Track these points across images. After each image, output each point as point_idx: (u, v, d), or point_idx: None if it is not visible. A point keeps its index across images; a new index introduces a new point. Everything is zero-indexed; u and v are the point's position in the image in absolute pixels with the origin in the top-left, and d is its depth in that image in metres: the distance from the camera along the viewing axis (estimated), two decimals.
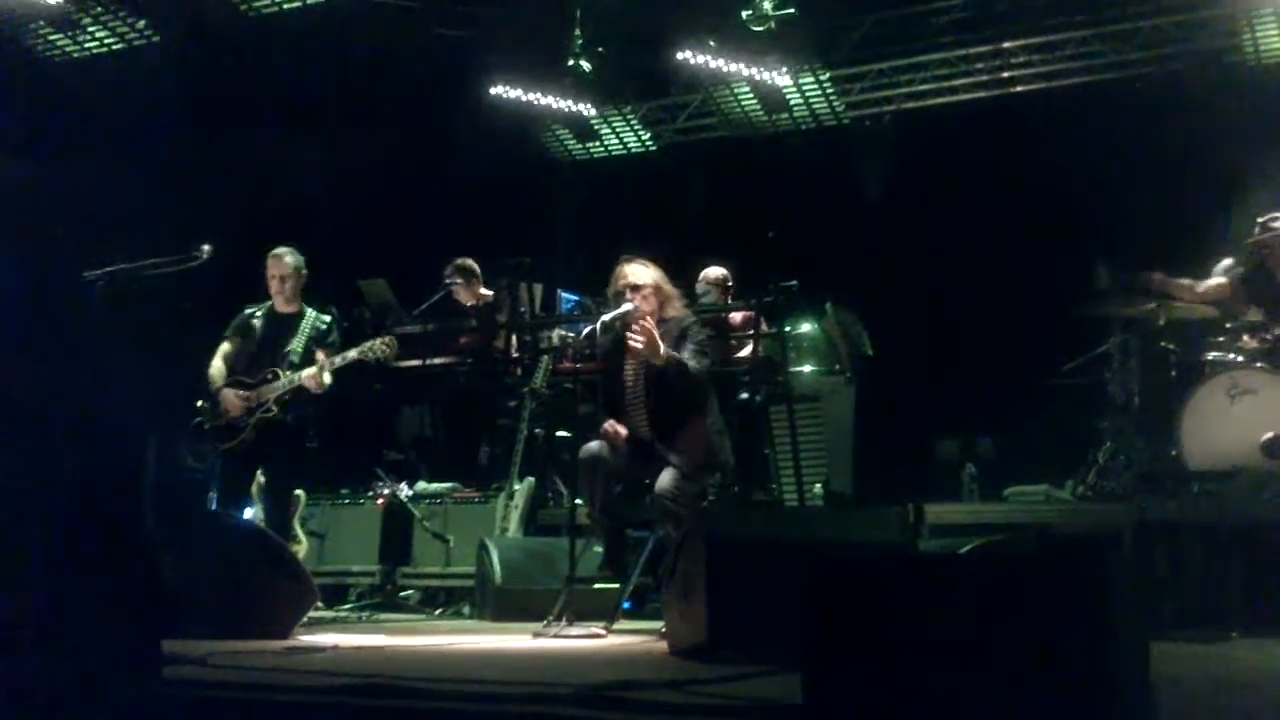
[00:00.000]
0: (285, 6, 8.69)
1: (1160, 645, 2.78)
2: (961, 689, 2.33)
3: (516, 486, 6.57)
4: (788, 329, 7.34)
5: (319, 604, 5.30)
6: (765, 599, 3.33)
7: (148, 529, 4.42)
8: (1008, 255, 8.70)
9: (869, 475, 7.44)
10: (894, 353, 8.08)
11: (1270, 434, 5.53)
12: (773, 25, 8.78)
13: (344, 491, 7.14)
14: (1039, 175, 8.79)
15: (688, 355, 5.07)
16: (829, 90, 10.03)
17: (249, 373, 6.04)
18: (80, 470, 3.50)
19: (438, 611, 6.50)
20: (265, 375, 5.98)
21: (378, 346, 5.99)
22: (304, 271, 6.21)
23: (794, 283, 6.88)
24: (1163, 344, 6.21)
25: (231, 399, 5.96)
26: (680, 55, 9.32)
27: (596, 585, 5.28)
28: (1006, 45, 9.46)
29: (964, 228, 9.01)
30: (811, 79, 9.87)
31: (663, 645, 4.30)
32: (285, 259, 6.17)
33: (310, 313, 6.18)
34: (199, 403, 6.06)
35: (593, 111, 10.43)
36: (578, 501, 5.63)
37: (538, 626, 5.02)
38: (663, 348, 5.01)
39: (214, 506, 6.32)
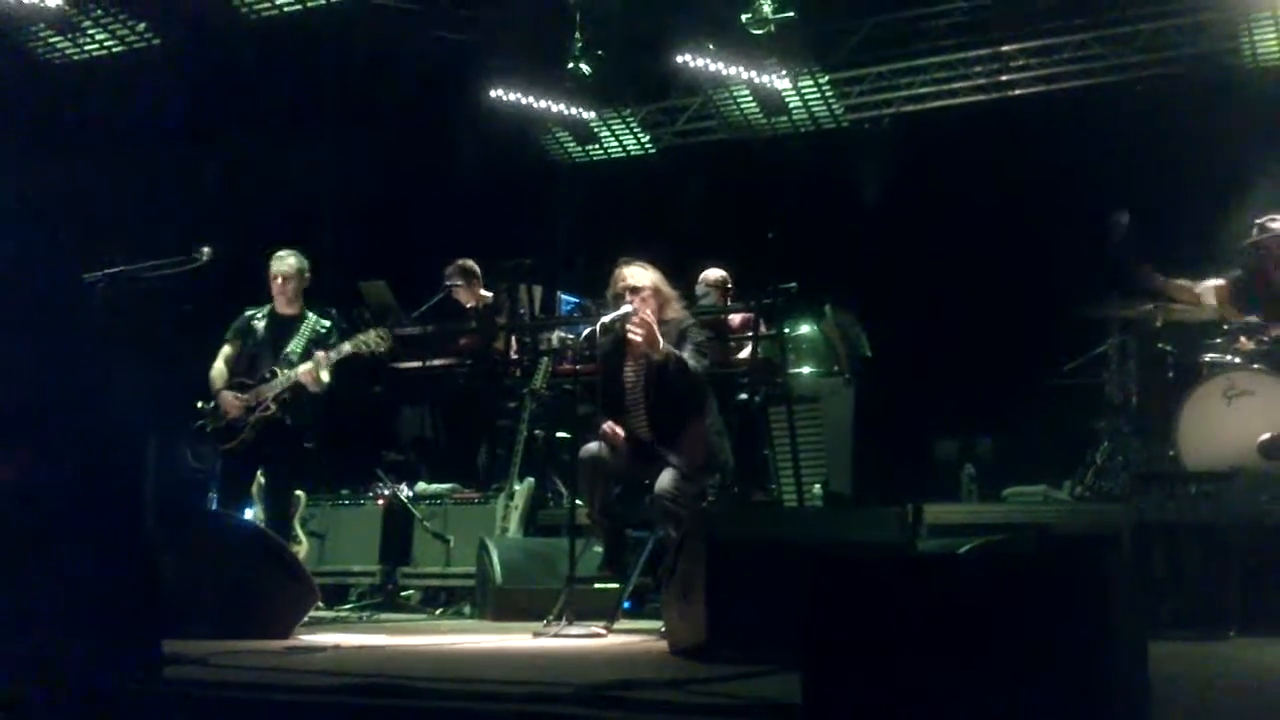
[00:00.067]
0: (285, 9, 8.70)
1: (1158, 645, 2.78)
2: (960, 689, 2.34)
3: (516, 487, 6.58)
4: (787, 330, 7.35)
5: (319, 604, 5.31)
6: (765, 599, 3.34)
7: (148, 529, 4.43)
8: (1006, 257, 8.72)
9: (868, 476, 7.46)
10: (893, 354, 8.10)
11: (1268, 435, 5.54)
12: (772, 28, 8.79)
13: (344, 492, 7.15)
14: (1038, 178, 8.80)
15: (687, 354, 5.09)
16: (828, 93, 10.04)
17: (249, 374, 6.05)
18: (80, 471, 3.51)
19: (438, 611, 6.51)
20: (263, 375, 5.99)
21: (372, 339, 6.00)
22: (307, 274, 6.22)
23: (793, 284, 6.89)
24: (1160, 345, 6.22)
25: (230, 400, 5.97)
26: (680, 58, 9.33)
27: (596, 585, 5.29)
28: (1005, 48, 9.48)
29: (963, 230, 9.03)
30: (810, 82, 9.88)
31: (663, 645, 4.31)
32: (288, 260, 6.18)
33: (311, 316, 6.19)
34: (200, 404, 6.07)
35: (592, 114, 10.45)
36: (577, 502, 5.64)
37: (538, 626, 5.03)
38: (662, 342, 5.03)
39: (214, 507, 6.32)
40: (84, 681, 2.99)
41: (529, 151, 10.81)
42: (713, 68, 9.40)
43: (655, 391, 5.17)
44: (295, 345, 6.04)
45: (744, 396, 6.91)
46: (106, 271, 5.48)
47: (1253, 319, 5.91)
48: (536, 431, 7.03)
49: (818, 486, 7.04)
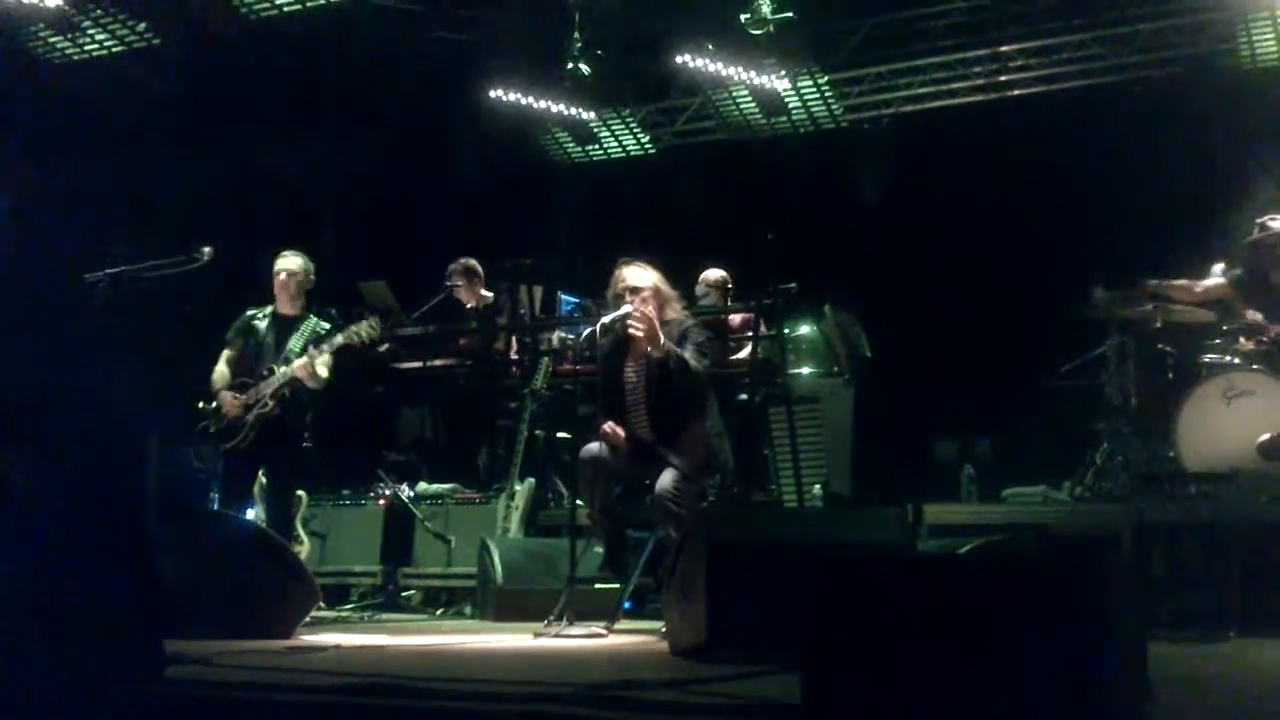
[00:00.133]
0: (285, 9, 8.70)
1: (1158, 645, 2.80)
2: (960, 689, 2.35)
3: (517, 487, 6.59)
4: (786, 331, 7.36)
5: (321, 604, 5.31)
6: (765, 599, 3.35)
7: (149, 529, 4.44)
8: (1005, 257, 8.73)
9: (868, 476, 7.47)
10: (892, 354, 8.11)
11: (1267, 435, 5.55)
12: (771, 29, 8.79)
13: (346, 492, 7.15)
14: (1037, 178, 8.81)
15: (689, 353, 5.10)
16: (827, 93, 10.05)
17: (251, 374, 6.06)
18: (82, 470, 3.52)
19: (439, 611, 6.51)
20: (261, 373, 6.00)
21: (363, 329, 6.00)
22: (311, 276, 6.22)
23: (793, 285, 6.89)
24: (1160, 346, 6.23)
25: (229, 400, 5.98)
26: (679, 59, 9.33)
27: (597, 585, 5.30)
28: (1004, 49, 9.48)
29: (962, 230, 9.04)
30: (810, 82, 9.89)
31: (663, 645, 4.31)
32: (293, 260, 6.19)
33: (312, 317, 6.19)
34: (202, 405, 6.07)
35: (592, 115, 10.45)
36: (578, 502, 5.65)
37: (539, 626, 5.03)
38: (662, 338, 5.04)
39: (216, 507, 6.33)
40: (85, 681, 3.00)
41: (529, 152, 10.81)
42: (712, 68, 9.40)
43: (656, 392, 5.17)
44: (295, 344, 6.05)
45: (744, 397, 6.91)
46: (107, 271, 5.48)
47: (1256, 318, 5.91)
48: (537, 432, 7.04)
49: (818, 487, 7.05)
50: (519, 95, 9.83)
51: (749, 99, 10.10)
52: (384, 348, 7.53)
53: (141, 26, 9.01)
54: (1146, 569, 4.97)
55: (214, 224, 7.31)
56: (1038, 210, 8.74)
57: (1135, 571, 4.72)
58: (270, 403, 5.92)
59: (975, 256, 8.85)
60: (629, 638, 4.82)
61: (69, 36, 9.08)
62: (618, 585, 5.20)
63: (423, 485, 7.02)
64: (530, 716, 2.67)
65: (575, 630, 4.90)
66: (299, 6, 8.67)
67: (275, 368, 5.97)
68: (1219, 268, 6.30)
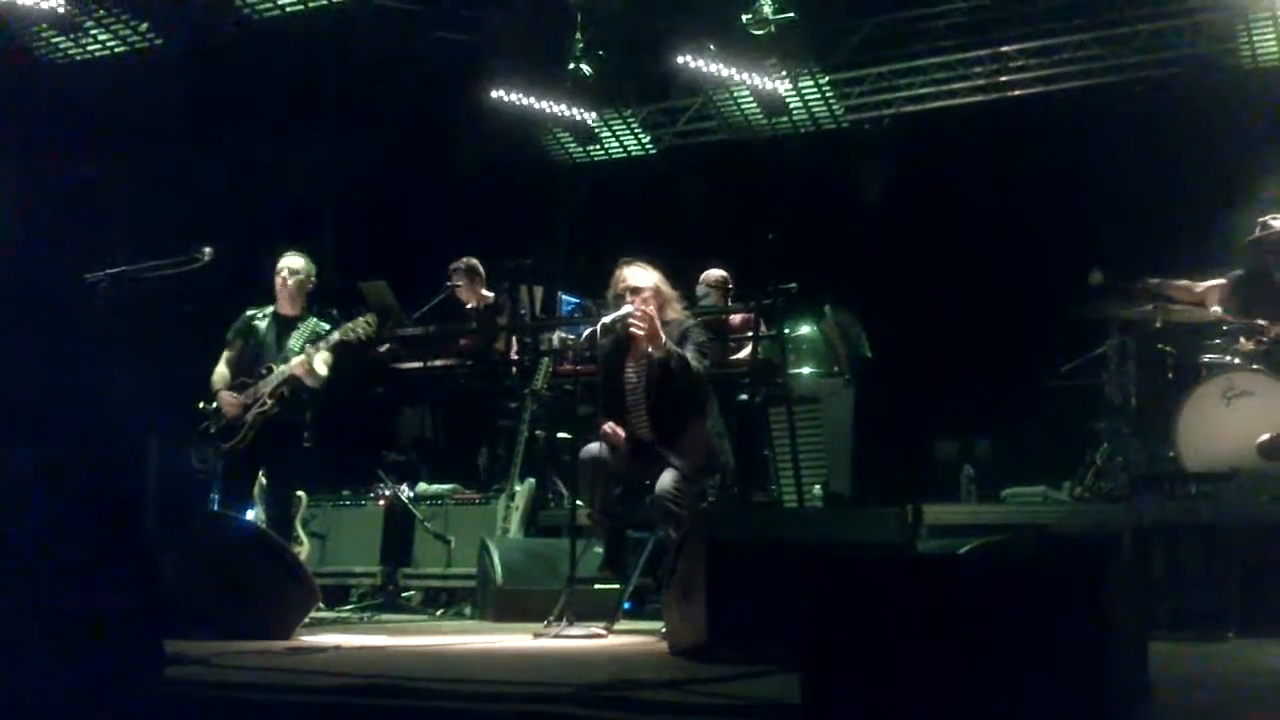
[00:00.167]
0: (287, 9, 8.70)
1: (1158, 645, 2.79)
2: (960, 689, 2.35)
3: (517, 488, 6.59)
4: (787, 331, 7.36)
5: (321, 605, 5.31)
6: (765, 599, 3.35)
7: (149, 530, 4.45)
8: (1006, 258, 8.73)
9: (868, 476, 7.47)
10: (892, 354, 8.11)
11: (1267, 435, 5.55)
12: (772, 29, 8.80)
13: (345, 493, 7.15)
14: (1037, 178, 8.81)
15: (689, 353, 5.10)
16: (828, 94, 10.05)
17: (250, 374, 6.06)
18: (81, 470, 3.52)
19: (439, 612, 6.51)
20: (260, 372, 6.01)
21: (360, 325, 6.01)
22: (313, 278, 6.23)
23: (793, 285, 6.90)
24: (1160, 346, 6.22)
25: (228, 400, 5.98)
26: (680, 59, 9.33)
27: (597, 586, 5.30)
28: (1005, 49, 9.49)
29: (962, 230, 9.04)
30: (811, 82, 9.89)
31: (663, 646, 4.31)
32: (296, 260, 6.20)
33: (312, 317, 6.20)
34: (202, 405, 6.08)
35: (593, 115, 10.45)
36: (578, 502, 5.65)
37: (539, 627, 5.03)
38: (664, 337, 5.05)
39: (216, 507, 6.33)
40: (85, 681, 3.00)
41: (530, 152, 10.81)
42: (713, 68, 9.40)
43: (656, 392, 5.17)
44: (294, 343, 6.05)
45: (744, 397, 6.91)
46: (108, 271, 5.49)
47: (1258, 320, 5.90)
48: (537, 432, 7.04)
49: (818, 487, 7.05)
50: (520, 95, 9.83)
51: (750, 99, 10.10)
52: (384, 348, 7.54)
53: (143, 26, 9.01)
54: (1146, 569, 4.97)
55: (214, 224, 7.31)
56: (1038, 210, 8.74)
57: (1135, 572, 4.71)
58: (269, 401, 5.93)
59: (975, 256, 8.85)
60: (629, 638, 4.82)
61: (71, 36, 9.09)
62: (618, 586, 5.20)
63: (423, 485, 7.02)
64: (530, 716, 2.67)
65: (575, 631, 4.90)
66: (301, 6, 8.68)
67: (274, 367, 5.98)
68: (1217, 281, 6.27)
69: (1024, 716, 2.30)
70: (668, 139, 10.94)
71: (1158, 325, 6.10)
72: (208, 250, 5.68)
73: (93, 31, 9.04)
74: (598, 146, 10.98)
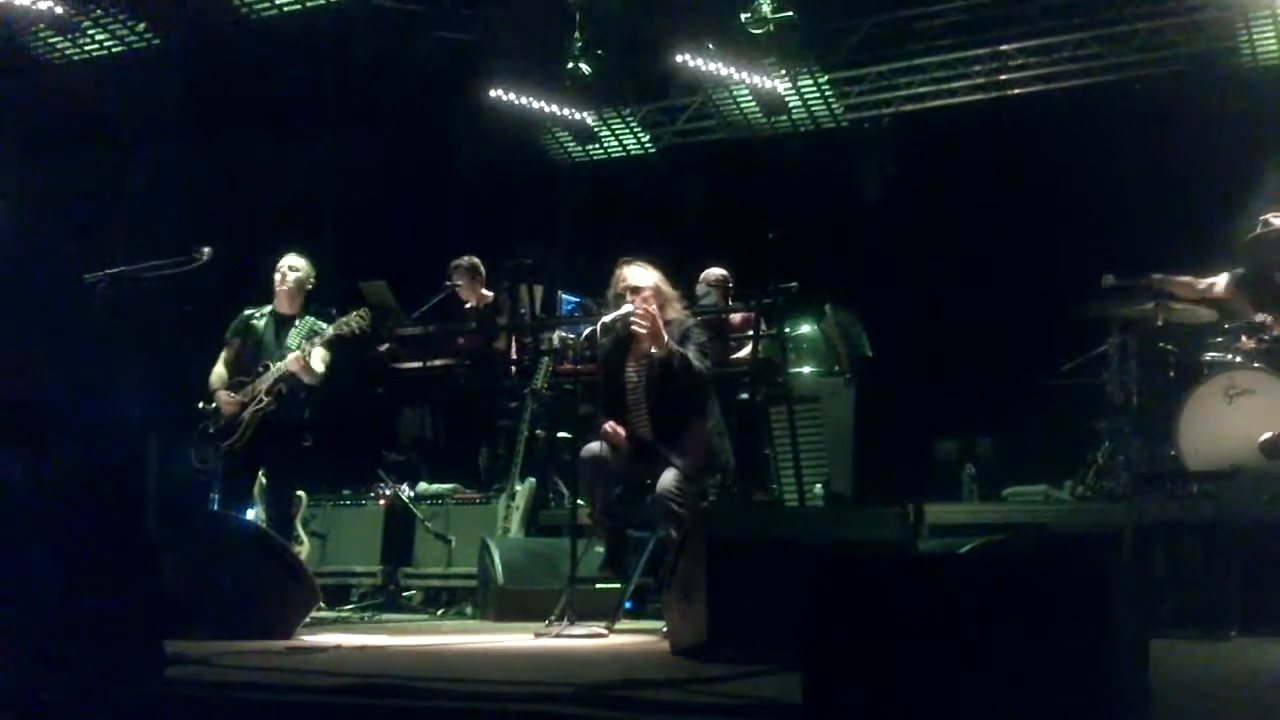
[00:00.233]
0: (285, 9, 8.70)
1: (1159, 645, 2.79)
2: (961, 689, 2.34)
3: (518, 487, 6.59)
4: (787, 330, 7.36)
5: (321, 604, 5.31)
6: (766, 599, 3.35)
7: (149, 530, 4.44)
8: (1006, 256, 8.73)
9: (869, 476, 7.46)
10: (893, 353, 8.10)
11: (1268, 434, 5.54)
12: (771, 28, 8.80)
13: (346, 492, 7.15)
14: (1037, 177, 8.81)
15: (691, 353, 5.10)
16: (827, 93, 10.05)
17: (248, 373, 6.06)
18: (81, 471, 3.51)
19: (440, 612, 6.51)
20: (258, 370, 6.02)
21: (353, 320, 6.02)
22: (312, 280, 6.23)
23: (793, 284, 6.89)
24: (1161, 344, 6.22)
25: (226, 399, 5.99)
26: (679, 58, 9.33)
27: (598, 585, 5.30)
28: (1004, 48, 9.49)
29: (962, 229, 9.03)
30: (810, 81, 9.89)
31: (664, 645, 4.31)
32: (296, 261, 6.20)
33: (310, 316, 6.20)
34: (201, 405, 6.08)
35: (592, 114, 10.45)
36: (579, 502, 5.64)
37: (539, 626, 5.03)
38: (666, 336, 5.04)
39: (216, 507, 6.33)
40: (85, 681, 3.00)
41: (529, 151, 10.81)
42: (712, 67, 9.40)
43: (657, 391, 5.17)
44: (292, 341, 6.05)
45: (745, 396, 6.91)
46: (107, 271, 5.47)
47: (1262, 317, 5.89)
48: (538, 431, 7.04)
49: (819, 486, 7.05)
50: (519, 95, 9.83)
51: (749, 98, 10.10)
52: (384, 347, 7.54)
53: (141, 26, 9.01)
54: (1148, 568, 4.97)
55: (214, 224, 7.31)
56: (1038, 209, 8.74)
57: (1136, 571, 4.72)
58: (266, 399, 5.93)
59: (976, 256, 8.85)
60: (630, 638, 4.82)
61: (69, 36, 9.08)
62: (618, 585, 5.20)
63: (423, 485, 7.02)
64: (530, 716, 2.67)
65: (576, 630, 4.90)
66: (299, 6, 8.67)
67: (271, 365, 5.99)
68: (1223, 277, 6.27)
69: (1024, 716, 2.29)
70: (667, 138, 10.94)
71: (1159, 324, 6.10)
72: (207, 250, 5.68)
73: (90, 31, 9.03)
74: (597, 146, 10.98)
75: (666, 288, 5.32)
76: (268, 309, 6.22)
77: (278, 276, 6.18)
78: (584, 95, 9.92)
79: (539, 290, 7.72)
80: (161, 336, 6.22)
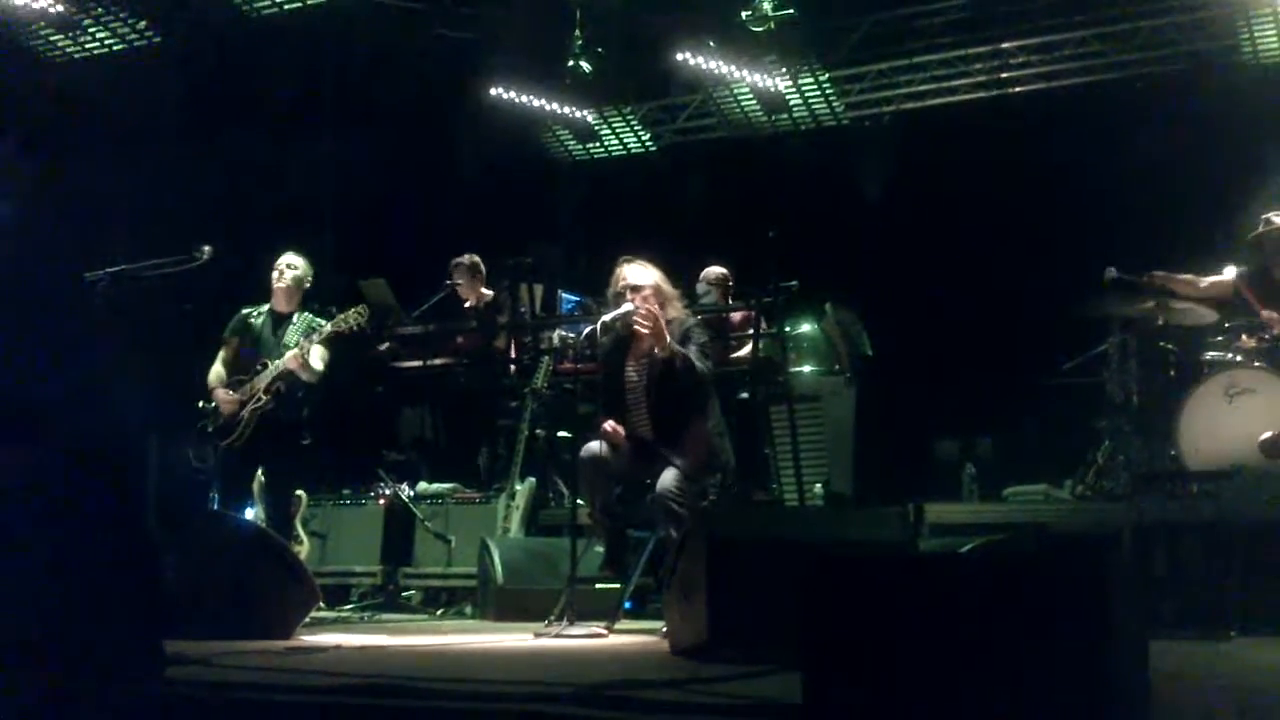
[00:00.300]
0: (286, 7, 8.70)
1: (1159, 644, 2.79)
2: (961, 689, 2.34)
3: (518, 487, 6.59)
4: (787, 329, 7.35)
5: (321, 604, 5.31)
6: (766, 599, 3.34)
7: (149, 529, 4.43)
8: (1007, 255, 8.72)
9: (869, 475, 7.45)
10: (894, 353, 8.10)
11: (1269, 433, 5.53)
12: (772, 26, 8.80)
13: (345, 492, 7.15)
14: (1038, 175, 8.80)
15: (693, 355, 5.09)
16: (828, 91, 10.05)
17: (247, 372, 6.06)
18: (81, 470, 3.51)
19: (439, 612, 6.51)
20: (256, 368, 6.01)
21: (350, 316, 6.03)
22: (310, 279, 6.23)
23: (794, 283, 6.89)
24: (1161, 344, 6.21)
25: (224, 398, 5.99)
26: (680, 56, 9.33)
27: (598, 585, 5.29)
28: (1005, 46, 9.48)
29: (963, 228, 9.03)
30: (811, 79, 9.88)
31: (664, 645, 4.31)
32: (293, 259, 6.21)
33: (307, 314, 6.20)
34: (201, 404, 6.08)
35: (593, 112, 10.45)
36: (579, 502, 5.64)
37: (539, 626, 5.03)
38: (668, 337, 5.04)
39: (215, 507, 6.33)
40: (86, 681, 3.00)
41: (530, 150, 10.81)
42: (713, 65, 9.40)
43: (657, 391, 5.17)
44: (290, 338, 6.05)
45: (745, 395, 6.91)
46: (107, 270, 5.48)
47: (1269, 314, 5.88)
48: (538, 431, 7.03)
49: (819, 486, 7.04)
50: (520, 93, 9.83)
51: (750, 96, 10.10)
52: (384, 346, 7.54)
53: (142, 24, 9.01)
54: (1148, 568, 4.96)
55: (214, 223, 7.30)
56: (1039, 208, 8.74)
57: (1136, 570, 4.71)
58: (264, 397, 5.93)
59: (976, 254, 8.85)
60: (630, 638, 4.82)
61: (70, 35, 9.08)
62: (618, 585, 5.19)
63: (423, 485, 7.02)
64: (530, 716, 2.66)
65: (576, 630, 4.90)
66: (300, 4, 8.68)
67: (269, 363, 5.99)
68: (1230, 269, 6.27)
69: (1024, 716, 2.29)
70: (668, 136, 10.94)
71: (1159, 323, 6.09)
72: (207, 249, 5.68)
73: (91, 30, 9.04)
74: (598, 144, 10.98)
75: (667, 286, 5.31)
76: (265, 308, 6.22)
77: (275, 274, 6.18)
78: (584, 93, 9.92)
79: (539, 289, 7.72)
80: (161, 336, 6.22)
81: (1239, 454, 5.50)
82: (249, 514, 6.08)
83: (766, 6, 8.69)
